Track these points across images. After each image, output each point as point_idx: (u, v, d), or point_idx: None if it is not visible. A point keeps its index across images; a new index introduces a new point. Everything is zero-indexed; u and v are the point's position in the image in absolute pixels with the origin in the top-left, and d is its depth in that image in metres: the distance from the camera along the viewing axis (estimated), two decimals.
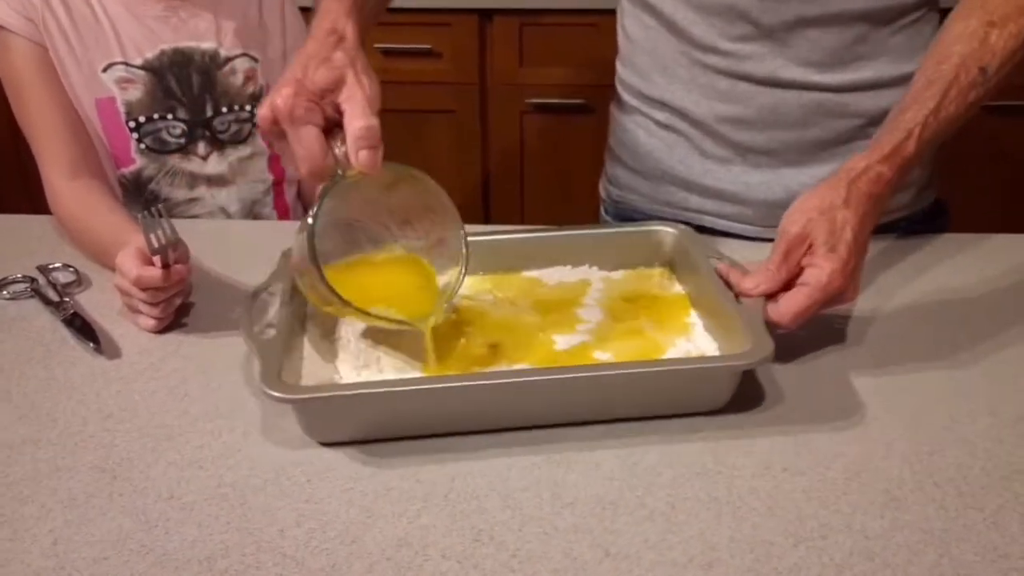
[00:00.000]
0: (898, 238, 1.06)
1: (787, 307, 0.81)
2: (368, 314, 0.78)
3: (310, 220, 0.75)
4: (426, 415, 0.76)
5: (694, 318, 0.90)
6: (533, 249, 0.96)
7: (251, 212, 1.27)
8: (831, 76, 1.01)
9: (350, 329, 0.86)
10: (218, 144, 1.22)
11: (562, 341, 0.86)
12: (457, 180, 2.11)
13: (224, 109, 1.21)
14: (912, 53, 1.00)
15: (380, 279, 0.84)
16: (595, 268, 0.97)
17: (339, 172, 0.75)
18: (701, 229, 1.12)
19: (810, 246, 0.82)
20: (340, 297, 0.76)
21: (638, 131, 1.14)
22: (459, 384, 0.75)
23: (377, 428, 0.75)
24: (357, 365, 0.82)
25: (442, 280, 0.84)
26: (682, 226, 0.97)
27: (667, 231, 0.97)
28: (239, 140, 1.23)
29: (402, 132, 2.08)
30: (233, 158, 1.23)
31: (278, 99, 0.74)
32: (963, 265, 1.02)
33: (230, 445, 0.76)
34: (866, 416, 0.78)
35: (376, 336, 0.85)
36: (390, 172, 0.77)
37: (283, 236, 1.15)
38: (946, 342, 0.88)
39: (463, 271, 0.82)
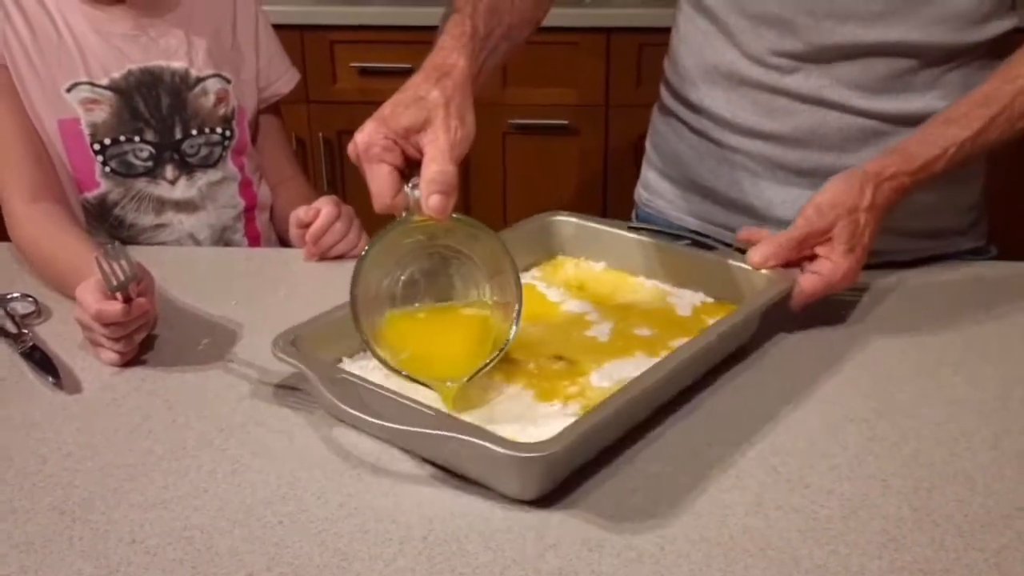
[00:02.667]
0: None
1: (800, 294, 0.89)
2: (388, 365, 0.78)
3: (362, 255, 0.78)
4: (619, 426, 0.78)
5: (646, 281, 0.99)
6: None
7: (221, 239, 1.26)
8: (877, 102, 1.01)
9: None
10: (187, 168, 1.21)
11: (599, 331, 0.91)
12: None
13: (194, 131, 1.20)
14: (966, 91, 1.00)
15: (441, 334, 0.83)
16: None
17: (404, 213, 0.77)
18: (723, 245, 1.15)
19: (829, 239, 0.90)
20: (368, 342, 0.78)
21: (671, 135, 1.16)
22: (659, 376, 0.77)
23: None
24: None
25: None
26: (577, 216, 1.04)
27: (563, 220, 1.04)
28: (209, 164, 1.23)
29: None
30: (203, 182, 1.22)
31: (358, 135, 0.77)
32: (972, 294, 1.02)
33: (197, 485, 0.75)
34: (862, 450, 0.78)
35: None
36: (461, 224, 0.79)
37: (254, 264, 1.15)
38: (946, 373, 0.88)
39: (503, 348, 0.80)
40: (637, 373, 0.77)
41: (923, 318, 0.97)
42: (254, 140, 1.29)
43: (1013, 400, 0.84)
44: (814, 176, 1.05)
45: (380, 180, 0.76)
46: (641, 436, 0.79)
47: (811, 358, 0.90)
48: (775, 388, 0.86)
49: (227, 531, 0.70)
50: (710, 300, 0.96)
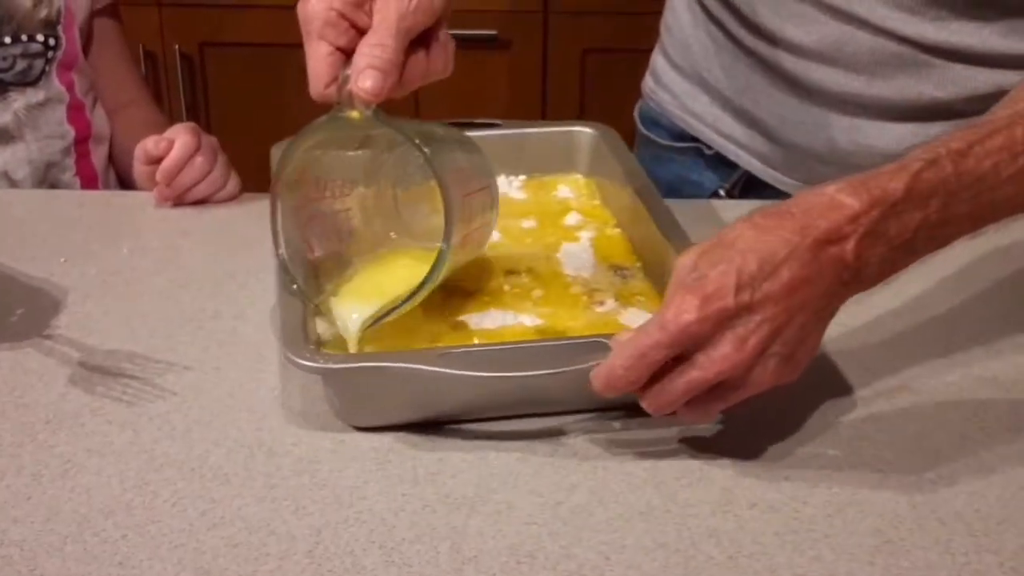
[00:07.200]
0: None
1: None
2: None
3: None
4: None
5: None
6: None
7: (45, 178, 1.25)
8: (916, 26, 1.00)
9: None
10: None
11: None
12: None
13: (7, 39, 1.19)
14: None
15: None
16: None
17: (337, 105, 0.78)
18: (721, 159, 1.18)
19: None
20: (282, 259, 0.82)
21: (686, 15, 1.18)
22: None
23: None
24: None
25: None
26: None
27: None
28: (28, 81, 1.22)
29: (281, 64, 2.06)
30: (19, 105, 1.21)
31: (300, 5, 0.77)
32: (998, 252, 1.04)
33: (16, 491, 0.74)
34: (854, 435, 0.80)
35: None
36: (416, 130, 0.80)
37: (89, 210, 1.13)
38: (957, 340, 0.91)
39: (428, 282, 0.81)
40: None
41: (941, 272, 0.99)
42: (86, 51, 1.28)
43: None
44: (841, 101, 1.07)
45: (314, 62, 0.77)
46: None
47: None
48: None
49: (56, 548, 0.70)
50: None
